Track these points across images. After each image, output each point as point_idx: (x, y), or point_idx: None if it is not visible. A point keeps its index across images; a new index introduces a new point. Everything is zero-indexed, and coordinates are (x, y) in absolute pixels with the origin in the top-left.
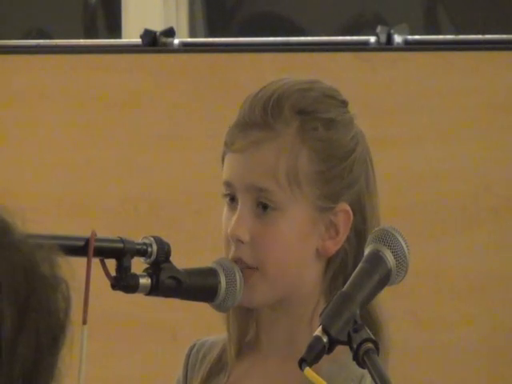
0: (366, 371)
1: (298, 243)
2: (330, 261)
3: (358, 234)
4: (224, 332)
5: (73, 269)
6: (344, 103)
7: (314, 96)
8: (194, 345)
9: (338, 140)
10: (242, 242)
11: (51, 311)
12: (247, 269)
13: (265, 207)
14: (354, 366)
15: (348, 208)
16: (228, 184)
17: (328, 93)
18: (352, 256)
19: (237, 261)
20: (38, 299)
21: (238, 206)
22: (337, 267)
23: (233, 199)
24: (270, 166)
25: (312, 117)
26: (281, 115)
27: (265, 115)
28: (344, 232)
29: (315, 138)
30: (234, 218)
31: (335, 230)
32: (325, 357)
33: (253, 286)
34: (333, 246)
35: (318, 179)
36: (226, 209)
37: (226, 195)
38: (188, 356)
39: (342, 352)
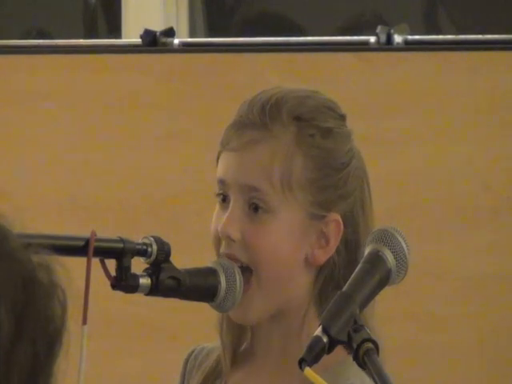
0: (355, 381)
1: (288, 247)
2: (319, 271)
3: (349, 246)
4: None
5: (69, 273)
6: (342, 117)
7: (313, 104)
8: (193, 351)
9: (335, 150)
10: (233, 241)
11: (48, 319)
12: (243, 276)
13: (256, 209)
14: (344, 377)
15: (339, 218)
16: (222, 182)
17: (327, 104)
18: (341, 267)
19: (229, 257)
20: (35, 308)
21: (230, 205)
22: (326, 277)
23: (224, 199)
24: (265, 167)
25: (309, 124)
26: (278, 118)
27: (262, 115)
28: (334, 242)
29: (311, 145)
30: (225, 215)
31: (325, 239)
32: (319, 365)
33: (248, 302)
34: (322, 256)
35: (312, 186)
36: (217, 207)
37: (218, 194)
38: (186, 362)
39: (337, 362)
